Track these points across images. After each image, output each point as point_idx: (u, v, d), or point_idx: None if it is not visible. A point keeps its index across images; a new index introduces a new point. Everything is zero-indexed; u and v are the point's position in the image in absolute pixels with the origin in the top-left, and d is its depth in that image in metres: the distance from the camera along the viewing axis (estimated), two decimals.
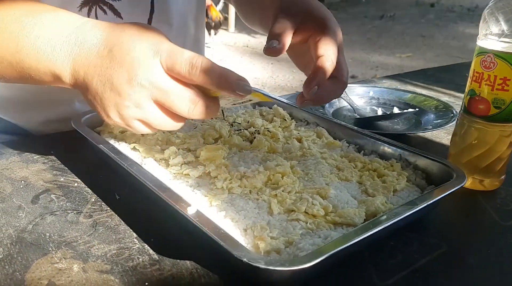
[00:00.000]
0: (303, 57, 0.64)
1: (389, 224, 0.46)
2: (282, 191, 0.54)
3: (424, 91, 1.05)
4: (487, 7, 0.58)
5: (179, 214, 0.46)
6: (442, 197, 0.51)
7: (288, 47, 0.66)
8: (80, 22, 0.48)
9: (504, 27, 0.56)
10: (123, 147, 0.62)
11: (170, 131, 0.68)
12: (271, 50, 0.58)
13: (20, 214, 0.53)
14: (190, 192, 0.53)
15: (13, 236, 0.49)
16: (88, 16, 0.73)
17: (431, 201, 0.50)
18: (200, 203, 0.51)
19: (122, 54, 0.44)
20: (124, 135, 0.66)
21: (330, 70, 0.58)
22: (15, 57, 0.50)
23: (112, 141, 0.64)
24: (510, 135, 0.60)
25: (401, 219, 0.47)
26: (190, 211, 0.46)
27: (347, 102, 0.91)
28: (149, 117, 0.46)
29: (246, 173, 0.57)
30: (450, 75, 1.20)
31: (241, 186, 0.55)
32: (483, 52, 0.59)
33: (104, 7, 0.73)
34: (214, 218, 0.49)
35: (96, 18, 0.73)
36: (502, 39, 0.57)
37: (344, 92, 0.94)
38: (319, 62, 0.58)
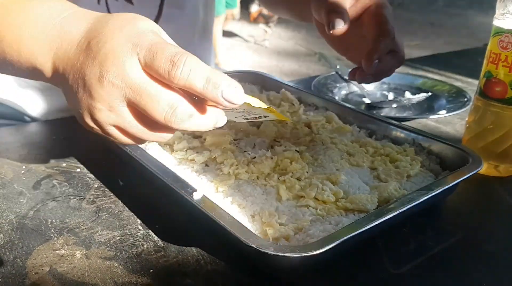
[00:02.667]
0: (347, 37, 0.61)
1: (403, 210, 0.44)
2: (291, 177, 0.52)
3: (435, 77, 1.02)
4: None
5: (184, 199, 0.44)
6: (457, 182, 0.49)
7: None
8: (68, 12, 0.41)
9: None
10: None
11: None
12: (339, 31, 0.57)
13: (21, 200, 0.52)
14: (195, 177, 0.52)
15: (14, 222, 0.48)
16: (98, 4, 0.71)
17: (446, 187, 0.48)
18: (206, 189, 0.50)
19: (98, 46, 0.37)
20: None
21: (390, 44, 0.58)
22: None
23: None
24: None
25: (415, 205, 0.45)
26: (195, 197, 0.44)
27: (357, 87, 0.89)
28: (124, 122, 0.38)
29: (253, 159, 0.55)
30: (461, 60, 1.17)
31: (248, 171, 0.53)
32: (500, 32, 0.56)
33: None
34: (221, 204, 0.47)
35: (107, 5, 0.71)
36: None
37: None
38: (380, 35, 0.58)
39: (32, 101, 0.77)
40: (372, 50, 0.57)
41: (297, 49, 4.42)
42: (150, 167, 0.49)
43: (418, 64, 1.13)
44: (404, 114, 0.80)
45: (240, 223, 0.41)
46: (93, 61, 0.37)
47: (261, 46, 4.62)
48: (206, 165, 0.55)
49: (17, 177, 0.56)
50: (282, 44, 4.51)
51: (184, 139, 0.58)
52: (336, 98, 0.85)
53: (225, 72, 0.85)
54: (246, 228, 0.40)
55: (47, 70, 0.41)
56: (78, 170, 0.59)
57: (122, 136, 0.39)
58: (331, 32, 0.58)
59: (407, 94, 0.86)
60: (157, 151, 0.56)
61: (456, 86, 0.88)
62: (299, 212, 0.47)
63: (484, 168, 0.61)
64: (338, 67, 0.95)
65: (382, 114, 0.81)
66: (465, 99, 0.80)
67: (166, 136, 0.40)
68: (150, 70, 0.36)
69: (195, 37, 0.88)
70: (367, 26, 0.60)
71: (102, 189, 0.55)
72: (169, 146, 0.58)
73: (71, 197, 0.53)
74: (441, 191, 0.47)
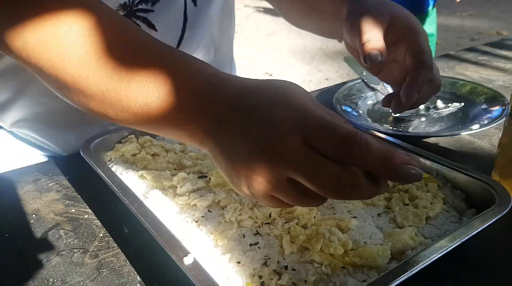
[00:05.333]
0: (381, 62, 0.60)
1: (414, 272, 0.39)
2: (297, 224, 0.48)
3: (474, 74, 0.94)
4: None
5: (176, 264, 0.42)
6: (479, 231, 0.44)
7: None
8: (213, 78, 0.42)
9: None
10: (131, 175, 0.59)
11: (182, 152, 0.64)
12: (377, 65, 0.59)
13: (26, 257, 0.52)
14: (195, 229, 0.49)
15: (15, 283, 0.48)
16: None
17: (465, 238, 0.43)
18: (205, 244, 0.47)
19: (255, 123, 0.37)
20: (135, 158, 0.63)
21: (429, 74, 0.59)
22: (143, 109, 0.43)
23: (121, 167, 0.61)
24: None
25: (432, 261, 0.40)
26: (186, 262, 0.41)
27: (384, 95, 0.83)
28: (282, 193, 0.38)
29: (258, 202, 0.52)
30: (506, 51, 1.07)
31: (252, 217, 0.50)
32: None
33: (137, 21, 0.69)
34: (217, 264, 0.44)
35: None
36: None
37: (381, 84, 0.86)
38: (418, 67, 0.58)
39: (62, 132, 0.76)
40: (411, 85, 0.58)
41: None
42: (145, 223, 0.47)
43: (457, 58, 1.05)
44: (435, 127, 0.74)
45: None
46: (250, 136, 0.37)
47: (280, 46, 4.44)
48: (209, 211, 0.52)
49: (25, 229, 0.56)
50: (299, 43, 4.38)
51: (188, 180, 0.56)
52: (360, 112, 0.80)
53: None
54: None
55: (196, 138, 0.42)
56: (86, 216, 0.58)
57: (275, 203, 0.40)
58: (365, 62, 0.58)
59: (439, 103, 0.79)
60: (158, 198, 0.54)
61: (495, 91, 0.79)
62: (302, 270, 0.43)
63: None
64: (364, 73, 0.89)
65: (411, 128, 0.75)
66: (504, 108, 0.73)
67: (321, 202, 0.40)
68: (317, 147, 0.35)
69: (210, 52, 0.85)
70: (403, 54, 0.60)
71: (106, 239, 0.54)
72: (173, 188, 0.56)
73: (75, 250, 0.52)
74: (459, 244, 0.42)
